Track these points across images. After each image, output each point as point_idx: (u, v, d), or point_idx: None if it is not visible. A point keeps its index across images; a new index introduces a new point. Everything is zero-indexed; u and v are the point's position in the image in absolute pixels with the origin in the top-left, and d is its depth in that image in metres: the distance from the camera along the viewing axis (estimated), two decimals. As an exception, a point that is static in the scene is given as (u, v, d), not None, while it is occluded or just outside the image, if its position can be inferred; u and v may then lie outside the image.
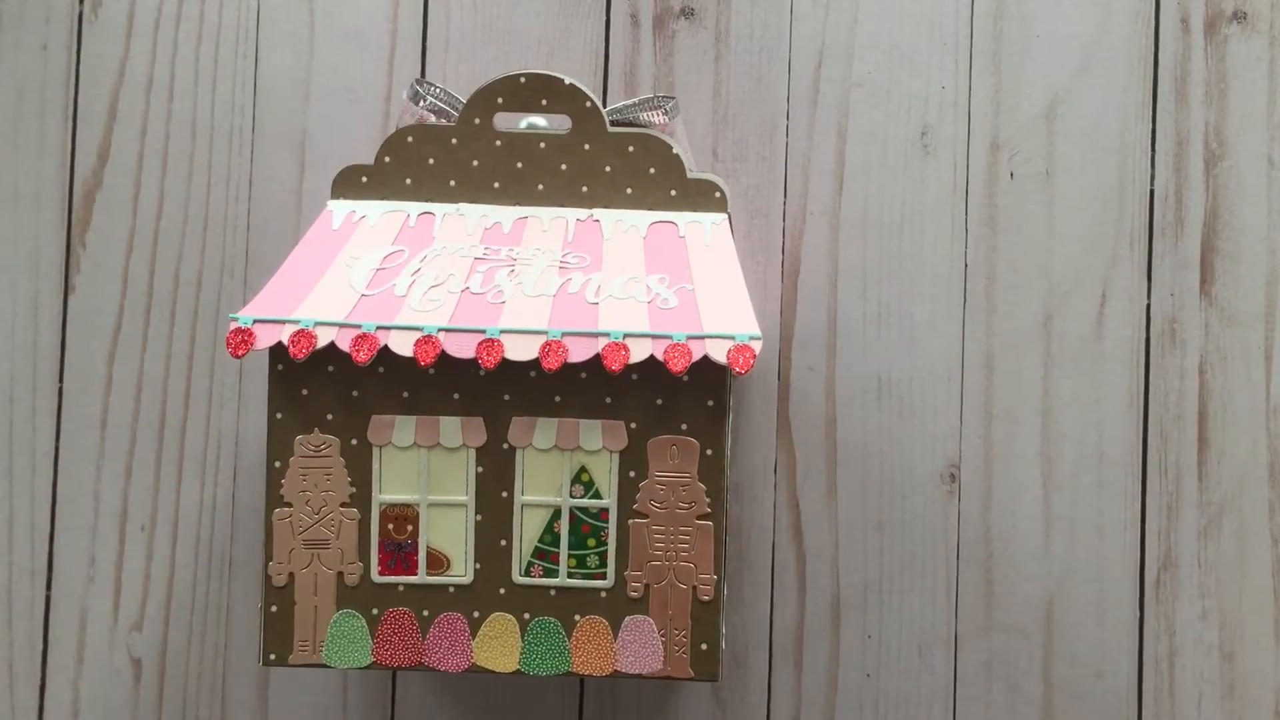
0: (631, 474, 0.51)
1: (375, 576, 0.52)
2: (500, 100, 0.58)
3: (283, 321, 0.50)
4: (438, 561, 0.52)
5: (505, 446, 0.51)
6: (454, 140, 0.58)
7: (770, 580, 0.66)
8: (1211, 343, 0.65)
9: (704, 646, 0.51)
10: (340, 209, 0.58)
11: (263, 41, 0.67)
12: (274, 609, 0.53)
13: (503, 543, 0.51)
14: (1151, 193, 0.66)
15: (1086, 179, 0.66)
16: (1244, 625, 0.65)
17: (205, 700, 0.66)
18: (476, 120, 0.58)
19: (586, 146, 0.58)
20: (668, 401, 0.51)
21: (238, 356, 0.50)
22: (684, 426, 0.51)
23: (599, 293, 0.52)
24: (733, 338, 0.50)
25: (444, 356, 0.49)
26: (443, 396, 0.51)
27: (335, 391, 0.51)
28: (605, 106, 0.59)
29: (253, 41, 0.67)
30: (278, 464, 0.52)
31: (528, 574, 0.51)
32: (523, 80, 0.58)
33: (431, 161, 0.58)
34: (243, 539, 0.66)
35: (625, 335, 0.50)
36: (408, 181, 0.58)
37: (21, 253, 0.67)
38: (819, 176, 0.66)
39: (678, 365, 0.49)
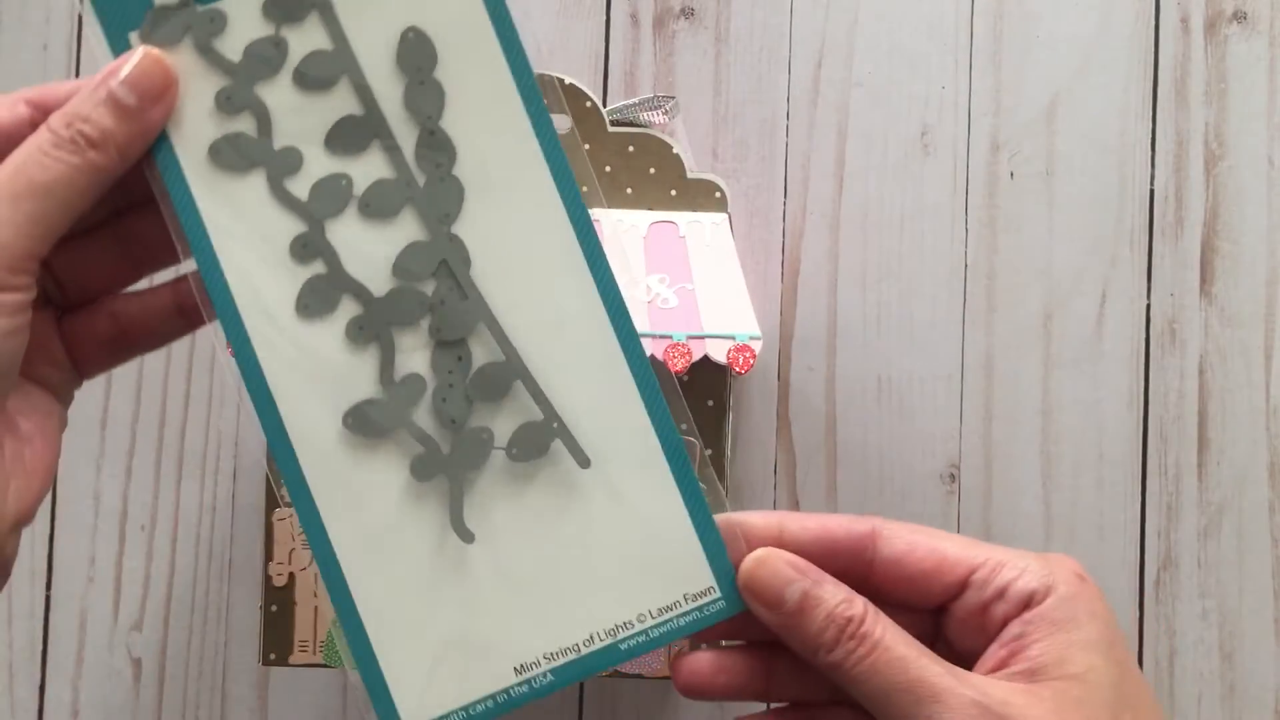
0: (631, 474, 0.51)
1: (375, 576, 0.52)
2: (500, 100, 0.58)
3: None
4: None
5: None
6: (454, 140, 0.58)
7: (770, 580, 0.66)
8: (1211, 343, 0.65)
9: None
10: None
11: (263, 41, 0.67)
12: (274, 609, 0.53)
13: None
14: (1151, 193, 0.66)
15: (1086, 179, 0.66)
16: (1244, 625, 0.65)
17: (205, 700, 0.66)
18: (476, 120, 0.58)
19: (586, 146, 0.58)
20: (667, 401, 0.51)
21: (238, 356, 0.50)
22: (683, 426, 0.51)
23: (599, 293, 0.52)
24: (733, 338, 0.50)
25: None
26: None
27: (335, 391, 0.51)
28: (605, 106, 0.59)
29: (253, 41, 0.67)
30: (278, 464, 0.52)
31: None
32: (523, 80, 0.58)
33: (431, 161, 0.58)
34: (243, 539, 0.66)
35: (625, 335, 0.50)
36: (408, 181, 0.58)
37: (21, 253, 0.67)
38: (819, 176, 0.66)
39: (677, 365, 0.49)
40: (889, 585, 0.36)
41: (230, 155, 0.34)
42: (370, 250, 0.35)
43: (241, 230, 0.34)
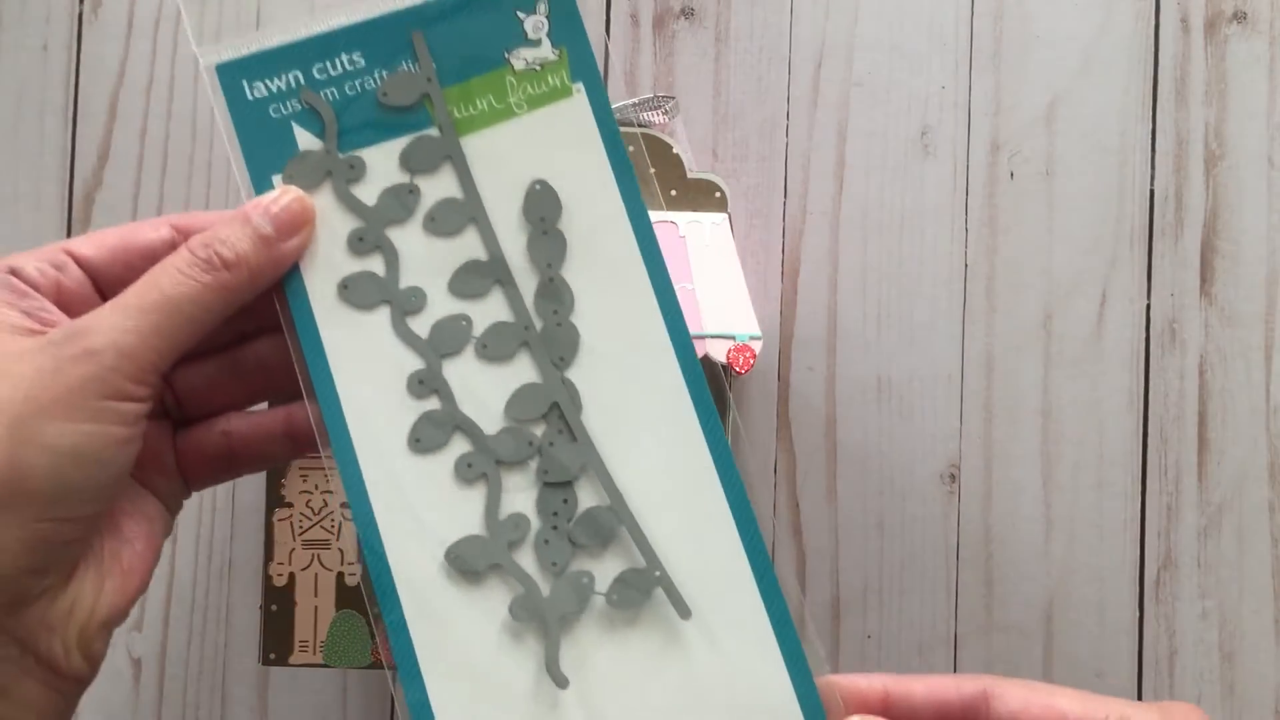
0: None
1: (375, 576, 0.52)
2: (500, 100, 0.58)
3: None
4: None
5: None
6: (454, 140, 0.58)
7: (770, 580, 0.66)
8: (1211, 343, 0.65)
9: None
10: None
11: (263, 41, 0.67)
12: (274, 609, 0.53)
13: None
14: (1151, 193, 0.66)
15: (1086, 179, 0.66)
16: (1244, 625, 0.65)
17: (205, 700, 0.66)
18: (476, 120, 0.58)
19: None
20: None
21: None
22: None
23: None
24: (733, 337, 0.50)
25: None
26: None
27: (335, 391, 0.51)
28: (605, 106, 0.59)
29: (253, 41, 0.67)
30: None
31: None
32: (523, 80, 0.58)
33: (431, 161, 0.58)
34: (243, 539, 0.66)
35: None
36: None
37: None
38: (819, 176, 0.66)
39: (678, 365, 0.49)
40: None
41: (358, 292, 0.36)
42: (484, 390, 0.36)
43: (362, 364, 0.35)
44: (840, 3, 0.67)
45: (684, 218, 0.57)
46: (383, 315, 0.36)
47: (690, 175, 0.58)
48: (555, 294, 0.36)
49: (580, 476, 0.35)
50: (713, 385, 0.51)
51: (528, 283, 0.36)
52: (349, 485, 0.35)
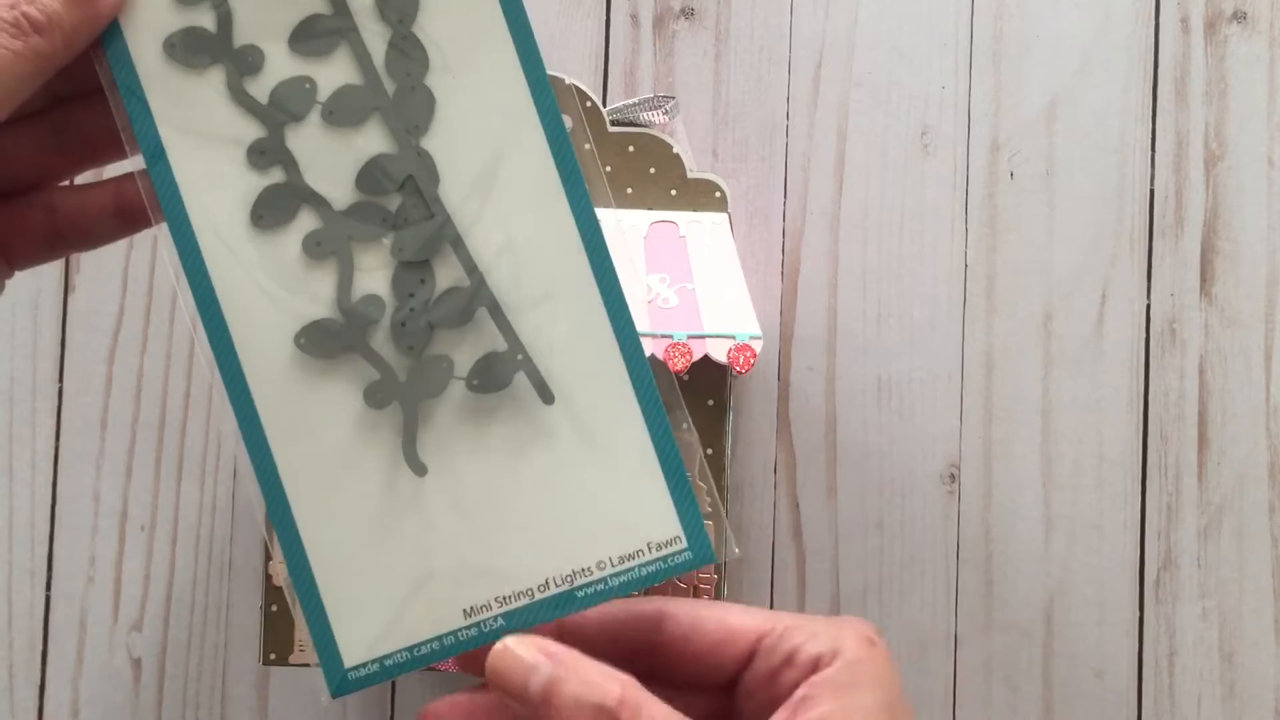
0: (631, 473, 0.51)
1: (375, 576, 0.52)
2: (500, 100, 0.58)
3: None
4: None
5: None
6: (454, 140, 0.58)
7: (770, 580, 0.66)
8: (1211, 343, 0.65)
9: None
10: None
11: (263, 41, 0.67)
12: (274, 609, 0.53)
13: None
14: (1151, 193, 0.66)
15: (1086, 179, 0.66)
16: (1244, 625, 0.65)
17: (205, 700, 0.66)
18: (476, 120, 0.58)
19: (587, 146, 0.58)
20: (667, 401, 0.51)
21: (238, 356, 0.50)
22: (684, 426, 0.51)
23: (599, 292, 0.52)
24: (733, 337, 0.50)
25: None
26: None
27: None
28: (605, 106, 0.59)
29: (253, 41, 0.67)
30: (278, 464, 0.52)
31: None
32: (523, 80, 0.58)
33: (431, 161, 0.58)
34: (243, 539, 0.66)
35: (625, 335, 0.50)
36: (408, 181, 0.58)
37: (21, 253, 0.67)
38: (819, 176, 0.66)
39: (678, 365, 0.49)
40: (679, 665, 0.34)
41: (186, 50, 0.32)
42: (332, 160, 0.33)
43: (195, 131, 0.32)
44: (840, 3, 0.67)
45: (684, 218, 0.57)
46: (216, 77, 0.32)
47: (690, 175, 0.58)
48: (408, 53, 0.33)
49: (438, 254, 0.33)
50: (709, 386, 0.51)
51: (377, 40, 0.32)
52: (187, 263, 0.32)
